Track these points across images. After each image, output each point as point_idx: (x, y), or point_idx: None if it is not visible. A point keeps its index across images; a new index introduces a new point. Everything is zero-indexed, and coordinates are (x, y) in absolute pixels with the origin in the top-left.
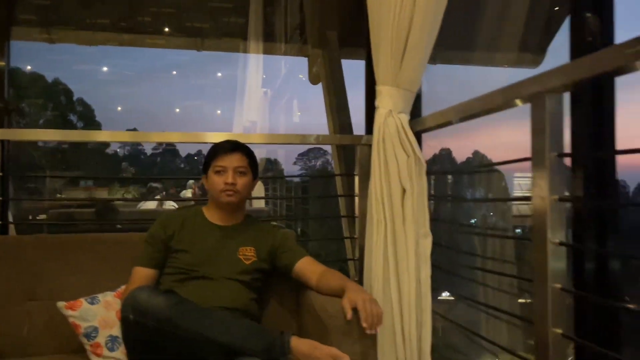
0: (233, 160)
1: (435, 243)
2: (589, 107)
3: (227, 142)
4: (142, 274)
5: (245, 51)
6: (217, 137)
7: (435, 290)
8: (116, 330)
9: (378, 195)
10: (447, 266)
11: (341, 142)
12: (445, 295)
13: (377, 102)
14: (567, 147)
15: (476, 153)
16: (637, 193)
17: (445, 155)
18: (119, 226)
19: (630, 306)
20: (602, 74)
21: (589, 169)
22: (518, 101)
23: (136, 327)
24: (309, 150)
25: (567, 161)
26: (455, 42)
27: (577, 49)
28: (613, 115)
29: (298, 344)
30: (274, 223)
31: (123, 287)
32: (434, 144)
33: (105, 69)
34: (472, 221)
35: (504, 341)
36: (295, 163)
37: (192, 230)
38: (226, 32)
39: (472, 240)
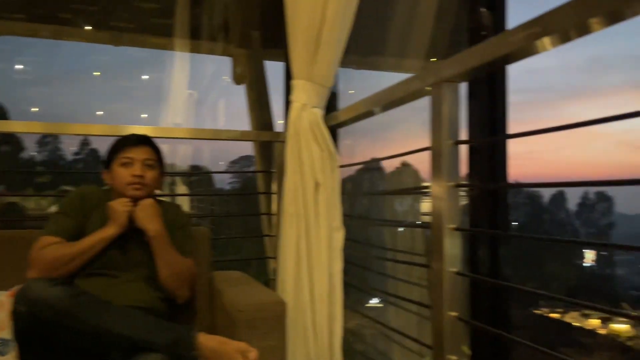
0: (140, 153)
1: (349, 239)
2: (484, 96)
3: (134, 135)
4: (51, 243)
5: (171, 48)
6: (142, 131)
7: (365, 295)
8: (7, 333)
9: (292, 189)
10: (360, 260)
11: (260, 138)
12: (374, 301)
13: (292, 96)
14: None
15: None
16: (550, 203)
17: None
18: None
19: (521, 287)
20: (493, 61)
21: (483, 155)
22: (419, 91)
23: (29, 319)
24: (241, 158)
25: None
26: (370, 48)
27: (473, 42)
28: (505, 103)
29: (205, 339)
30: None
31: (18, 286)
32: (349, 142)
33: (19, 67)
34: (384, 217)
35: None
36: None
37: (102, 216)
38: (151, 30)
39: (384, 234)
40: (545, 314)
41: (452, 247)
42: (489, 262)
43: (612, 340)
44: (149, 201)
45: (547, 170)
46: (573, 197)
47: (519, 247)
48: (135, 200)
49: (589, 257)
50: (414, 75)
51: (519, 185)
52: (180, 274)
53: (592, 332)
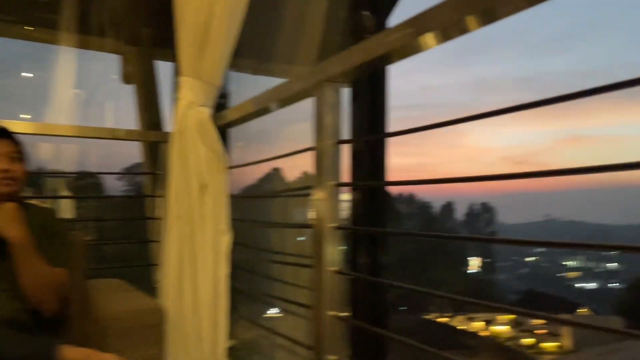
0: (3, 146)
1: (238, 242)
2: (365, 97)
3: None
4: None
5: (56, 43)
6: (20, 127)
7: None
8: None
9: (177, 191)
10: (250, 265)
11: (146, 138)
12: (273, 311)
13: (178, 94)
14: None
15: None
16: (441, 213)
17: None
18: None
19: (400, 284)
20: (373, 59)
21: (363, 154)
22: (304, 91)
23: None
24: (135, 165)
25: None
26: (264, 53)
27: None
28: (384, 105)
29: (70, 353)
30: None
31: None
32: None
33: None
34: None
35: None
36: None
37: None
38: (34, 22)
39: (274, 237)
40: (434, 319)
41: (333, 246)
42: (370, 262)
43: (493, 340)
44: (8, 205)
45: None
46: (461, 207)
47: (407, 255)
48: (8, 197)
49: (474, 263)
50: (298, 75)
51: (396, 184)
52: (45, 285)
53: (475, 334)
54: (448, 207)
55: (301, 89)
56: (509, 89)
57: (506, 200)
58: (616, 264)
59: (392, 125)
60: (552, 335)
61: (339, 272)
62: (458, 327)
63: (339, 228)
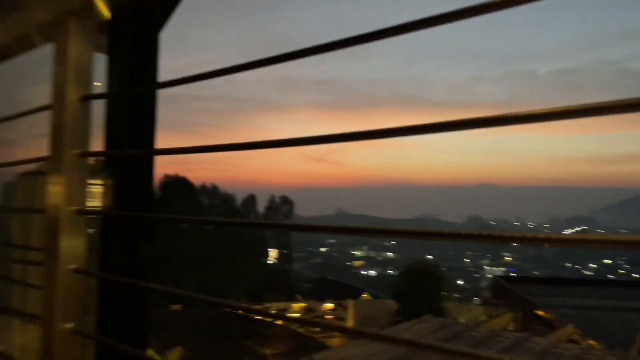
0: None
1: None
2: (127, 39)
3: None
4: None
5: None
6: None
7: None
8: None
9: None
10: None
11: None
12: None
13: None
14: None
15: None
16: (243, 205)
17: None
18: None
19: (158, 287)
20: None
21: (123, 114)
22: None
23: None
24: None
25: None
26: None
27: None
28: (156, 49)
29: None
30: None
31: None
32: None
33: None
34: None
35: None
36: None
37: None
38: None
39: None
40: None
41: (73, 237)
42: (127, 258)
43: (287, 328)
44: None
45: (241, 174)
46: (262, 200)
47: (201, 247)
48: None
49: (272, 255)
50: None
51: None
52: None
53: (271, 324)
54: (250, 200)
55: (30, 28)
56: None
57: (304, 194)
58: (393, 253)
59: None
60: (339, 320)
61: (79, 271)
62: (254, 317)
63: (82, 212)
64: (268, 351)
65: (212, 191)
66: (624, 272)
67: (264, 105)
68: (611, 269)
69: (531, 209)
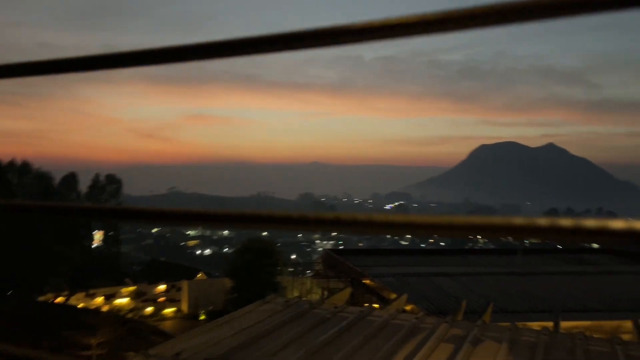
0: None
1: None
2: None
3: None
4: None
5: None
6: None
7: None
8: None
9: None
10: None
11: None
12: None
13: None
14: None
15: None
16: (61, 184)
17: None
18: None
19: None
20: None
21: None
22: None
23: None
24: None
25: None
26: None
27: None
28: None
29: None
30: None
31: None
32: None
33: None
34: None
35: None
36: None
37: None
38: None
39: None
40: (51, 299)
41: None
42: None
43: (115, 314)
44: None
45: (59, 150)
46: (85, 179)
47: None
48: None
49: (98, 237)
50: None
51: None
52: None
53: (97, 311)
54: (70, 178)
55: None
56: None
57: (133, 173)
58: (228, 231)
59: None
60: (172, 302)
61: None
62: (78, 306)
63: None
64: (94, 340)
65: (22, 169)
66: (432, 241)
67: (86, 74)
68: (422, 238)
69: (356, 185)
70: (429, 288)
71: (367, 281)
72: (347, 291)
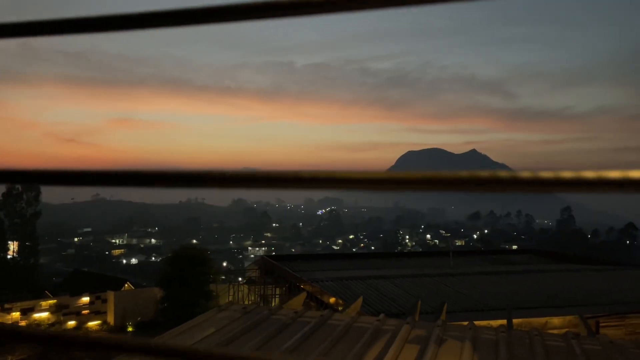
0: None
1: None
2: None
3: None
4: None
5: None
6: None
7: None
8: None
9: None
10: None
11: None
12: None
13: None
14: None
15: None
16: None
17: None
18: None
19: None
20: None
21: None
22: None
23: None
24: None
25: None
26: None
27: None
28: None
29: None
30: None
31: None
32: None
33: None
34: None
35: None
36: None
37: None
38: None
39: None
40: None
41: None
42: None
43: (34, 329)
44: None
45: None
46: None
47: None
48: None
49: (12, 248)
50: None
51: None
52: None
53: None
54: None
55: None
56: (57, 60)
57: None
58: (155, 240)
59: None
60: (97, 314)
61: None
62: None
63: None
64: (10, 358)
65: None
66: (363, 245)
67: (2, 76)
68: (353, 242)
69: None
70: (369, 291)
71: (306, 286)
72: (303, 296)
